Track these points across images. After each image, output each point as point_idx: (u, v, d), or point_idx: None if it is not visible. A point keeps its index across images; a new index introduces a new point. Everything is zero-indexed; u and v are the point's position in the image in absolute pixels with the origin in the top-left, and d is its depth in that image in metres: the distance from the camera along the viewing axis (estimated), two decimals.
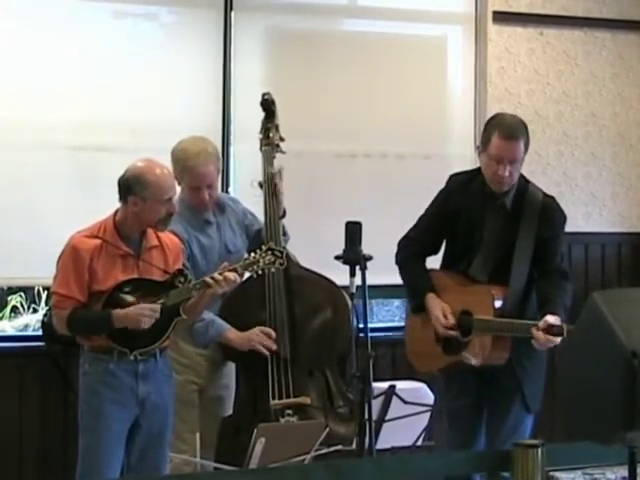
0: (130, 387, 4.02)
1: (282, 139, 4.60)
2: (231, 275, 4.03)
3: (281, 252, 4.10)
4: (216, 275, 4.02)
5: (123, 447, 4.04)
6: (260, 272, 4.11)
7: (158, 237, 4.12)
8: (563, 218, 4.31)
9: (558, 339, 3.93)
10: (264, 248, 4.10)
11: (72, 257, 3.98)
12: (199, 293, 4.03)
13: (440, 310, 4.22)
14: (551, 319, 3.95)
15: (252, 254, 4.09)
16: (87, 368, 4.05)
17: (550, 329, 3.93)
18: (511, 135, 4.11)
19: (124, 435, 4.04)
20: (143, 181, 3.98)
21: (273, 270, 4.22)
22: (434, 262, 4.47)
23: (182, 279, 4.02)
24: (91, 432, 4.01)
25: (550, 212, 4.26)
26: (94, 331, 4.01)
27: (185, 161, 4.35)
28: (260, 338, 4.32)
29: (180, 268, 4.09)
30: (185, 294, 4.01)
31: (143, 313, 3.92)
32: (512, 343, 4.12)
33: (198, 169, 4.35)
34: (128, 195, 4.00)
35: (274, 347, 4.32)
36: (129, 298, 3.96)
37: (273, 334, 4.34)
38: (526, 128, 4.20)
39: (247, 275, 4.47)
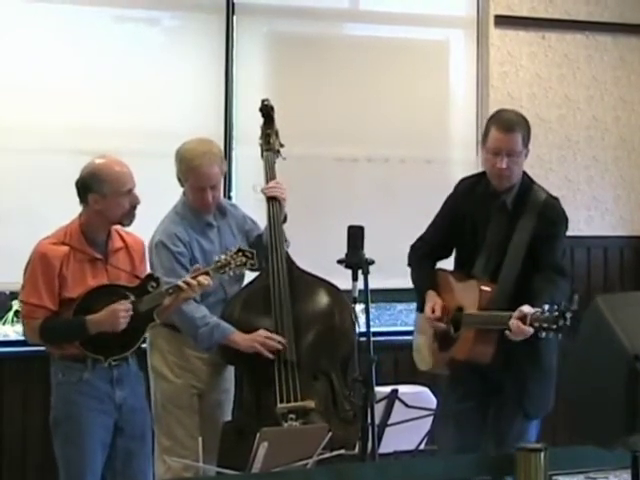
0: (107, 393, 3.99)
1: (282, 145, 4.62)
2: (204, 279, 4.02)
3: (252, 253, 4.12)
4: (189, 279, 4.01)
5: (106, 454, 4.00)
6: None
7: (122, 238, 4.09)
8: (565, 220, 4.27)
9: (530, 329, 3.91)
10: (234, 249, 4.11)
11: (42, 265, 3.94)
12: (172, 297, 4.01)
13: (431, 304, 4.25)
14: (525, 309, 3.93)
15: (222, 256, 4.10)
16: (61, 378, 3.98)
17: (523, 318, 3.90)
18: (508, 127, 4.14)
19: (108, 442, 4.00)
20: (99, 176, 3.94)
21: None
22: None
23: (154, 284, 3.99)
24: (73, 443, 3.96)
25: (550, 212, 4.23)
26: (68, 339, 3.95)
27: (191, 161, 4.36)
28: (264, 340, 4.32)
29: (151, 273, 4.08)
30: (158, 299, 3.98)
31: (118, 314, 3.87)
32: (497, 339, 4.10)
33: (203, 169, 4.36)
34: (87, 194, 3.96)
35: (279, 347, 4.31)
36: (101, 304, 3.89)
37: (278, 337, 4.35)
38: (526, 123, 4.22)
39: (251, 278, 4.48)
